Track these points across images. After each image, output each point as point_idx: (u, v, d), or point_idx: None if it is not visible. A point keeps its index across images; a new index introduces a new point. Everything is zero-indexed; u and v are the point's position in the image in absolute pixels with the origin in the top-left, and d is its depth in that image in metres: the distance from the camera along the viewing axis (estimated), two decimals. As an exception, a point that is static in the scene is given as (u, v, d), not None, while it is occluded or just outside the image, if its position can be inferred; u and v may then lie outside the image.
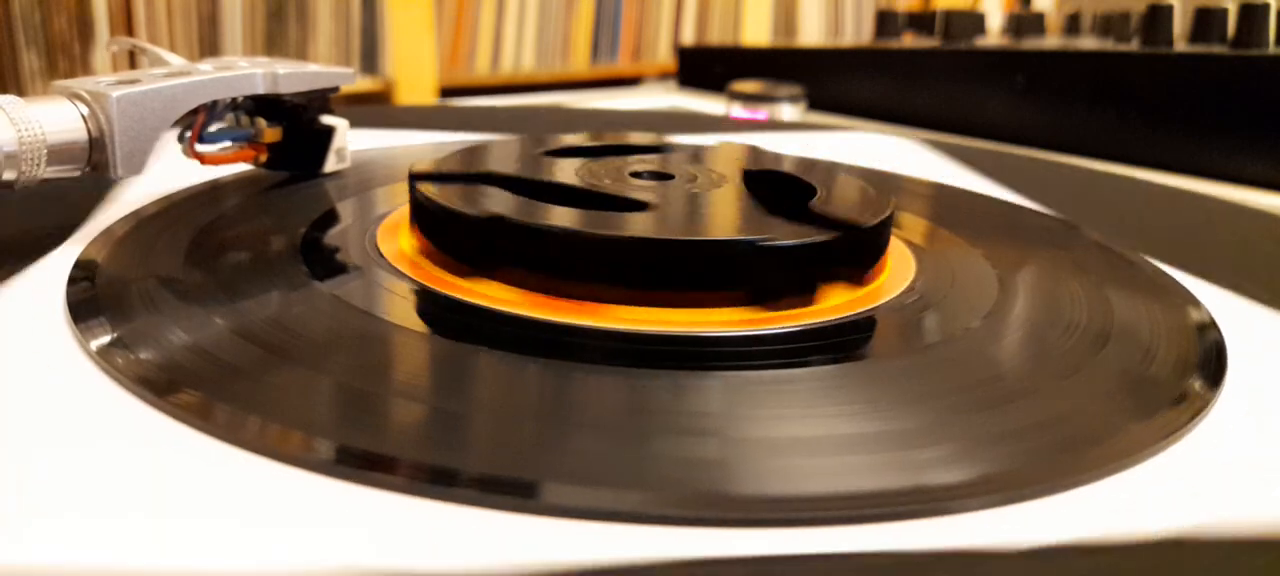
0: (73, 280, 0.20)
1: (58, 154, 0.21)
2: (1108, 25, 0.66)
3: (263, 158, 0.28)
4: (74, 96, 0.21)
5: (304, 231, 0.24)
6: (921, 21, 0.74)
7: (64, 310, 0.18)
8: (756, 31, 1.22)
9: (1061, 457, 0.14)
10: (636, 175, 0.24)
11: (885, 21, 0.73)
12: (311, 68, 0.27)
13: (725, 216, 0.21)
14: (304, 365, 0.16)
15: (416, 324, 0.19)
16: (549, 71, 1.08)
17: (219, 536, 0.11)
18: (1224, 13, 0.50)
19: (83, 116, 0.21)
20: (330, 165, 0.29)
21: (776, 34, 1.26)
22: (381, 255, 0.22)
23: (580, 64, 1.10)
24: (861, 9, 1.32)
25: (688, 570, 0.11)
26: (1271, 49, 0.46)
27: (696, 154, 0.27)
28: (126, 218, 0.24)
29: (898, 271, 0.23)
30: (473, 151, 0.26)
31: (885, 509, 0.12)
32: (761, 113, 0.58)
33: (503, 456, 0.13)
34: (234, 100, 0.26)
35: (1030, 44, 0.60)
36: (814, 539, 0.12)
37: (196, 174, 0.28)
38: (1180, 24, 0.52)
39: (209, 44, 0.85)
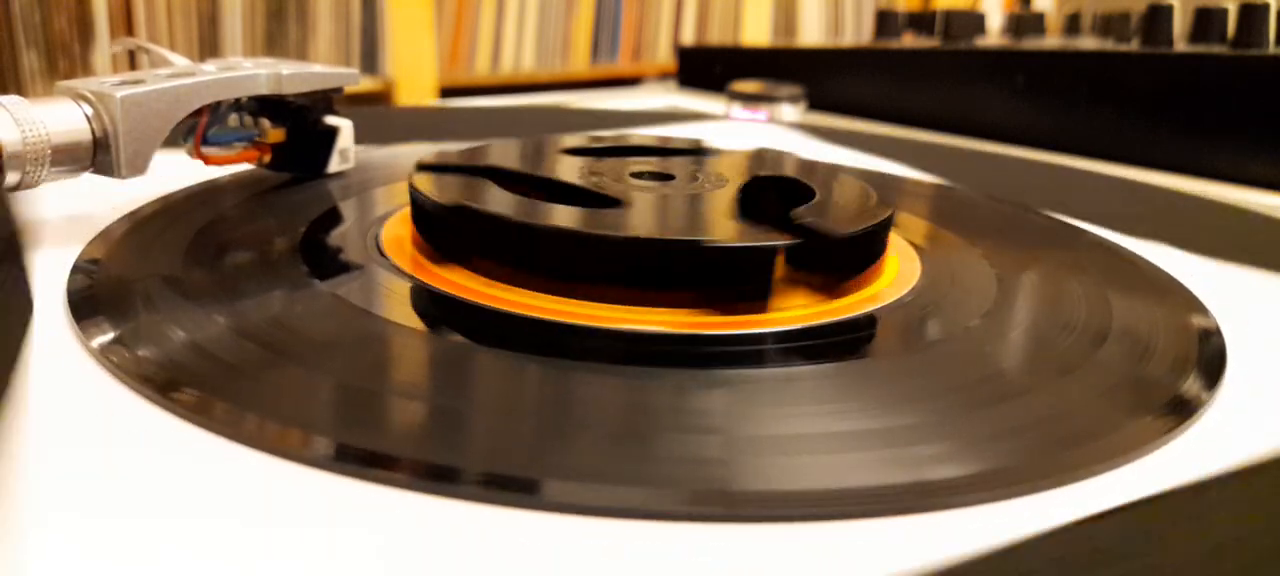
0: (74, 278, 0.20)
1: (62, 154, 0.21)
2: (1108, 25, 0.66)
3: (266, 158, 0.28)
4: (78, 97, 0.21)
5: (304, 231, 0.24)
6: (921, 21, 0.74)
7: (65, 308, 0.18)
8: (756, 31, 1.22)
9: (1060, 454, 0.14)
10: (637, 175, 0.24)
11: (885, 21, 0.73)
12: (315, 68, 0.27)
13: (702, 217, 0.21)
14: (304, 364, 0.16)
15: (417, 323, 0.19)
16: (549, 71, 1.08)
17: (219, 536, 0.11)
18: (1224, 13, 0.50)
19: (87, 117, 0.21)
20: (335, 166, 0.29)
21: (776, 34, 1.26)
22: (382, 255, 0.22)
23: (580, 64, 1.10)
24: (861, 9, 1.32)
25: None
26: (1271, 49, 0.46)
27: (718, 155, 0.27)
28: (127, 217, 0.24)
29: (898, 271, 0.23)
30: (474, 152, 0.26)
31: (886, 505, 0.13)
32: (761, 113, 0.58)
33: (505, 454, 0.14)
34: (238, 101, 0.26)
35: (1030, 44, 0.60)
36: (816, 534, 0.12)
37: (197, 174, 0.28)
38: (1180, 24, 0.52)
39: (209, 44, 0.85)
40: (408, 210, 0.26)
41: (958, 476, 0.13)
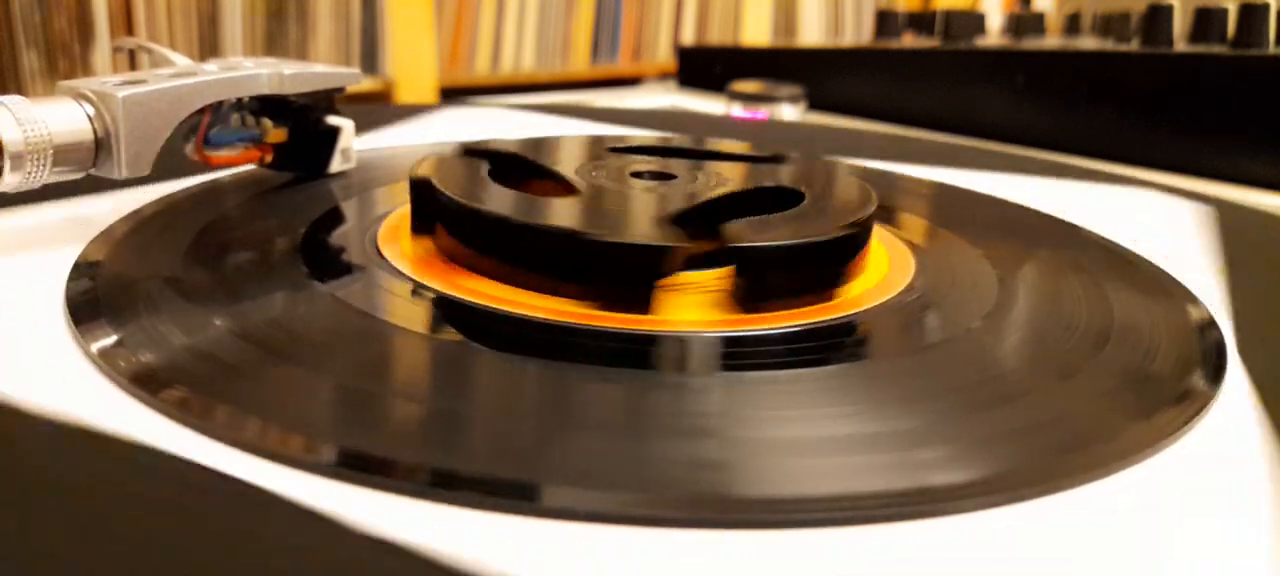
0: (73, 280, 0.20)
1: (63, 154, 0.21)
2: (1108, 25, 0.66)
3: (268, 158, 0.28)
4: (80, 96, 0.21)
5: (304, 232, 0.24)
6: (921, 21, 0.74)
7: (64, 311, 0.18)
8: (756, 31, 1.23)
9: (1062, 458, 0.14)
10: (637, 175, 0.24)
11: (885, 21, 0.73)
12: (317, 68, 0.27)
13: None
14: (304, 366, 0.16)
15: (416, 324, 0.19)
16: (549, 71, 1.08)
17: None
18: (1224, 13, 0.50)
19: (88, 117, 0.21)
20: (336, 165, 0.29)
21: (776, 34, 1.26)
22: (381, 255, 0.22)
23: (580, 64, 1.10)
24: (861, 9, 1.32)
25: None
26: (1271, 49, 0.46)
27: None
28: (127, 217, 0.24)
29: (898, 271, 0.23)
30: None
31: (886, 510, 0.13)
32: (761, 113, 0.58)
33: (502, 458, 0.14)
34: (239, 100, 0.26)
35: (1030, 44, 0.60)
36: (814, 540, 0.12)
37: (197, 174, 0.28)
38: (1180, 24, 0.52)
39: (209, 44, 0.85)
40: (407, 210, 0.26)
41: (961, 481, 0.13)
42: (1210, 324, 0.20)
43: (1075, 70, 0.49)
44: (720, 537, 0.12)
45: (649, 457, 0.14)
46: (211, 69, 0.25)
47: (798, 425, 0.15)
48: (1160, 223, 0.30)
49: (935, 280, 0.22)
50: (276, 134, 0.27)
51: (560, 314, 0.19)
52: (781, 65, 0.67)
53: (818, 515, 0.12)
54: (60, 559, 0.11)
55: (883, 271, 0.23)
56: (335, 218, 0.25)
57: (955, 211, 0.30)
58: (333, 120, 0.29)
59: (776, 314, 0.19)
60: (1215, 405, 0.16)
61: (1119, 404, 0.16)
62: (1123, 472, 0.14)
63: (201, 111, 0.25)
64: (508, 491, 0.12)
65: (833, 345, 0.18)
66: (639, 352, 0.17)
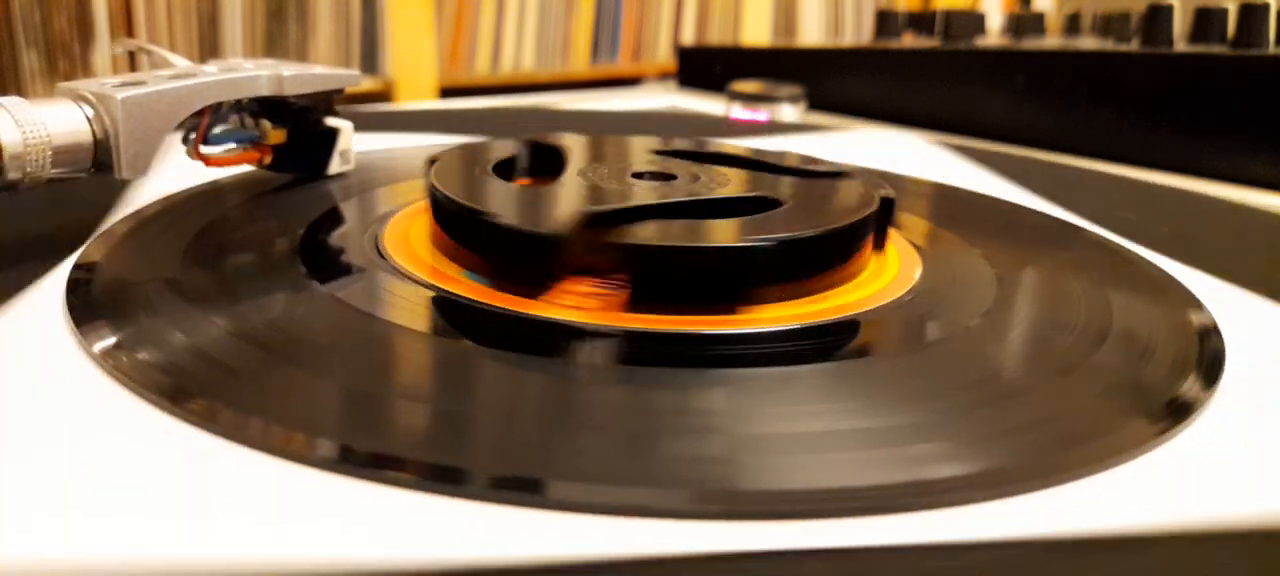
0: (73, 280, 0.20)
1: (63, 155, 0.21)
2: (1108, 25, 0.66)
3: (267, 159, 0.28)
4: (79, 98, 0.21)
5: (304, 233, 0.24)
6: (921, 21, 0.74)
7: (64, 311, 0.18)
8: (756, 31, 1.23)
9: (1058, 454, 0.14)
10: (639, 176, 0.24)
11: (885, 21, 0.73)
12: (317, 69, 0.27)
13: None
14: (306, 366, 0.16)
15: (418, 324, 0.19)
16: (549, 71, 1.08)
17: (220, 536, 0.11)
18: (1224, 13, 0.50)
19: (88, 118, 0.21)
20: (335, 167, 0.30)
21: (776, 34, 1.26)
22: (382, 256, 0.22)
23: (580, 64, 1.11)
24: (861, 9, 1.32)
25: (695, 566, 0.11)
26: (1271, 49, 0.46)
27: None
28: (127, 218, 0.24)
29: (898, 271, 0.23)
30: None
31: (885, 502, 0.13)
32: (762, 113, 0.58)
33: (509, 454, 0.14)
34: (239, 102, 0.26)
35: (1030, 44, 0.60)
36: (816, 532, 0.12)
37: (198, 175, 0.28)
38: (1180, 24, 0.52)
39: (209, 44, 0.85)
40: (408, 211, 0.26)
41: (957, 475, 0.13)
42: (1207, 323, 0.20)
43: (1075, 70, 0.49)
44: (724, 530, 0.12)
45: (654, 453, 0.14)
46: (211, 70, 0.25)
47: (799, 421, 0.15)
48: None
49: (934, 279, 0.22)
50: (275, 135, 0.27)
51: (561, 312, 0.19)
52: (781, 65, 0.67)
53: (819, 507, 0.12)
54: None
55: (895, 270, 0.23)
56: (336, 218, 0.25)
57: (955, 211, 0.30)
58: (332, 121, 0.29)
59: (777, 314, 0.19)
60: (1211, 404, 0.16)
61: (1116, 402, 0.16)
62: (1117, 469, 0.14)
63: (201, 113, 0.25)
64: (515, 486, 0.13)
65: (834, 343, 0.18)
66: (642, 352, 0.17)
